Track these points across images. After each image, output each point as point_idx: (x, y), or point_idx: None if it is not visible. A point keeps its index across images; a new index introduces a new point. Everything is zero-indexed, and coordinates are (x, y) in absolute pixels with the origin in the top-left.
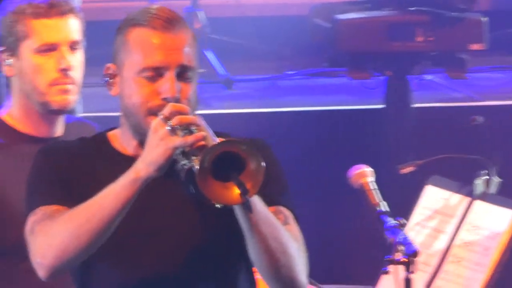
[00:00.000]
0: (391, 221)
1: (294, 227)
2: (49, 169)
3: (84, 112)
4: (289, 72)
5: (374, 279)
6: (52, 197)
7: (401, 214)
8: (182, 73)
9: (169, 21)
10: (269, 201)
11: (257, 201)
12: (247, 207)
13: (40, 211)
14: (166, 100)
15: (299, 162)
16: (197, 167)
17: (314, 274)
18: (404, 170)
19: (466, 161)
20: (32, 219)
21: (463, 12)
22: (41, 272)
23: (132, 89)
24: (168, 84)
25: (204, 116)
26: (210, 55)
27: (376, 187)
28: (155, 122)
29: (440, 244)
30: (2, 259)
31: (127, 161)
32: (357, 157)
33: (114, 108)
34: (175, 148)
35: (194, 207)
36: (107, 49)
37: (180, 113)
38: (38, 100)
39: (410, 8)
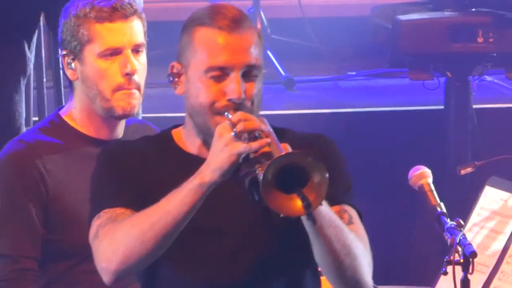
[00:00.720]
0: (450, 222)
1: (358, 226)
2: (112, 170)
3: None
4: (350, 73)
5: (432, 280)
6: (116, 199)
7: (460, 215)
8: (248, 73)
9: (234, 21)
10: (334, 200)
11: (322, 204)
12: (311, 219)
13: (105, 215)
14: (231, 101)
15: (359, 162)
16: (261, 177)
17: (373, 275)
18: (463, 171)
19: None
20: (96, 223)
21: None
22: (106, 277)
23: (198, 89)
24: (233, 85)
25: (265, 117)
26: (270, 56)
27: (434, 188)
28: (220, 128)
29: (498, 245)
30: (62, 261)
31: (191, 160)
32: (416, 158)
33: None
34: (240, 154)
35: (257, 210)
36: (168, 49)
37: (245, 119)
38: (102, 106)
39: (472, 9)
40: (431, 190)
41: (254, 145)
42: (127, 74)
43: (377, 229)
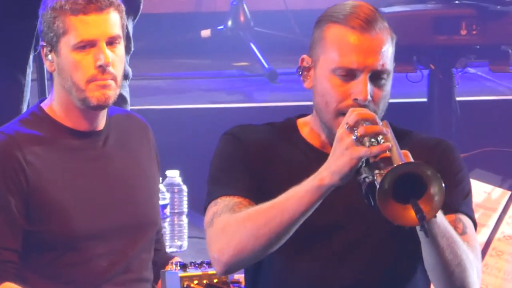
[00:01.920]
0: None
1: (472, 237)
2: (235, 155)
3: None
4: None
5: None
6: (236, 187)
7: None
8: (376, 76)
9: (368, 22)
10: (450, 208)
11: (438, 213)
12: (424, 230)
13: (222, 202)
14: (356, 102)
15: None
16: (378, 185)
17: None
18: None
19: (509, 154)
20: (212, 210)
21: (508, 6)
22: (218, 267)
23: (324, 87)
24: (360, 86)
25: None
26: (254, 49)
27: None
28: (340, 131)
29: (481, 238)
30: (43, 253)
31: (314, 153)
32: None
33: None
34: (360, 158)
35: (372, 210)
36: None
37: (366, 120)
38: (77, 97)
39: (455, 2)
40: None
41: (375, 150)
42: (100, 66)
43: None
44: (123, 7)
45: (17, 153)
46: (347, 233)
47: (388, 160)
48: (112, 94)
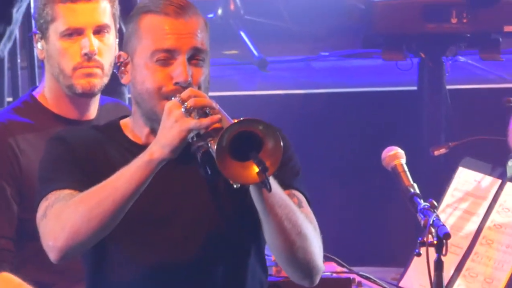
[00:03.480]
0: (423, 203)
1: (308, 210)
2: (61, 154)
3: None
4: (324, 54)
5: (405, 261)
6: (65, 181)
7: (433, 196)
8: (194, 57)
9: (180, 7)
10: (283, 185)
11: (272, 183)
12: (266, 186)
13: (53, 196)
14: (178, 85)
15: (332, 143)
16: (214, 147)
17: (345, 256)
18: (437, 152)
19: (499, 143)
20: (44, 204)
21: None
22: (53, 254)
23: (144, 75)
24: (180, 68)
25: (239, 97)
26: (244, 37)
27: (407, 169)
28: (170, 104)
29: (472, 226)
30: (36, 240)
31: (139, 149)
32: (390, 139)
33: None
34: (190, 130)
35: (208, 191)
36: None
37: (196, 97)
38: (64, 83)
39: None
40: (404, 171)
41: (205, 121)
42: (85, 54)
43: (351, 210)
44: None
45: (10, 141)
46: (179, 224)
47: (219, 130)
48: (97, 82)
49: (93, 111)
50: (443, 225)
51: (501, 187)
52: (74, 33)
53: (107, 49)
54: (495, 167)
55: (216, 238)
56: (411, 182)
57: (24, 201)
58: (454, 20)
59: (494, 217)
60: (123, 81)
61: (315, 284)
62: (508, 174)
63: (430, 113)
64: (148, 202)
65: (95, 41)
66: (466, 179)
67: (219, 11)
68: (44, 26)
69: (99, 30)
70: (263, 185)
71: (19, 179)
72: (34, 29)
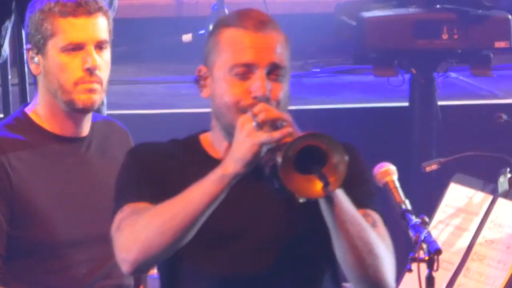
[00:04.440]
0: (415, 219)
1: (382, 229)
2: (138, 167)
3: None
4: (315, 70)
5: (397, 277)
6: (140, 194)
7: (425, 212)
8: (273, 72)
9: (260, 22)
10: (357, 204)
11: (344, 200)
12: (330, 201)
13: (128, 208)
14: (256, 99)
15: None
16: (281, 159)
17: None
18: (428, 168)
19: (490, 159)
20: (119, 217)
21: (489, 10)
22: (125, 267)
23: (223, 89)
24: (258, 83)
25: None
26: None
27: (399, 185)
28: (242, 118)
29: (463, 242)
30: (24, 258)
31: (216, 165)
32: (381, 155)
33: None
34: (261, 144)
35: (279, 205)
36: (131, 46)
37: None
38: (63, 99)
39: (436, 6)
40: (396, 187)
41: (276, 134)
42: (88, 69)
43: None
44: (110, 13)
45: (1, 158)
46: (252, 240)
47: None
48: (97, 98)
49: (86, 128)
50: (435, 241)
51: (492, 203)
52: (76, 48)
53: (105, 65)
54: (486, 183)
55: (287, 253)
56: (403, 198)
57: (14, 219)
58: (445, 36)
59: (485, 233)
60: (202, 95)
61: None
62: (500, 190)
63: (421, 129)
64: (221, 217)
65: (96, 56)
66: (457, 195)
67: (210, 27)
68: (42, 41)
69: (99, 46)
70: (327, 199)
71: (9, 196)
72: (27, 45)
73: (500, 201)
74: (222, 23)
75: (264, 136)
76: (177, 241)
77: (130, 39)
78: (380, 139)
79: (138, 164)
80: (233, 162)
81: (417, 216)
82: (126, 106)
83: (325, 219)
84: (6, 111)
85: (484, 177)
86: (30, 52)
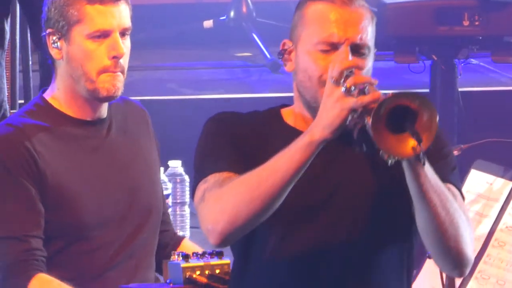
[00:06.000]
0: None
1: (462, 204)
2: (221, 136)
3: None
4: None
5: (417, 264)
6: (224, 163)
7: None
8: (357, 49)
9: None
10: (440, 178)
11: (428, 169)
12: (420, 160)
13: (212, 178)
14: None
15: None
16: (370, 120)
17: None
18: None
19: (511, 145)
20: (203, 187)
21: None
22: (213, 238)
23: (307, 62)
24: (342, 56)
25: (251, 99)
26: (256, 39)
27: None
28: (329, 86)
29: (484, 228)
30: (53, 241)
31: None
32: None
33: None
34: (351, 109)
35: (367, 171)
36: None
37: (350, 70)
38: (86, 87)
39: None
40: None
41: (366, 98)
42: (114, 57)
43: None
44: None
45: (27, 144)
46: (341, 203)
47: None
48: (120, 86)
49: (104, 110)
50: None
51: None
52: (102, 35)
53: (127, 52)
54: (507, 169)
55: (377, 221)
56: None
57: (44, 203)
58: (466, 23)
59: (506, 219)
60: (286, 68)
61: (464, 276)
62: None
63: (442, 115)
64: (305, 185)
65: (121, 43)
66: (478, 181)
67: (232, 14)
68: (66, 27)
69: (124, 33)
70: (417, 158)
71: (38, 181)
72: (46, 30)
73: None
74: None
75: (353, 100)
76: (265, 210)
77: (151, 25)
78: None
79: (221, 132)
80: (320, 128)
81: None
82: (147, 92)
83: (410, 188)
84: (27, 97)
85: (505, 163)
86: (51, 37)
